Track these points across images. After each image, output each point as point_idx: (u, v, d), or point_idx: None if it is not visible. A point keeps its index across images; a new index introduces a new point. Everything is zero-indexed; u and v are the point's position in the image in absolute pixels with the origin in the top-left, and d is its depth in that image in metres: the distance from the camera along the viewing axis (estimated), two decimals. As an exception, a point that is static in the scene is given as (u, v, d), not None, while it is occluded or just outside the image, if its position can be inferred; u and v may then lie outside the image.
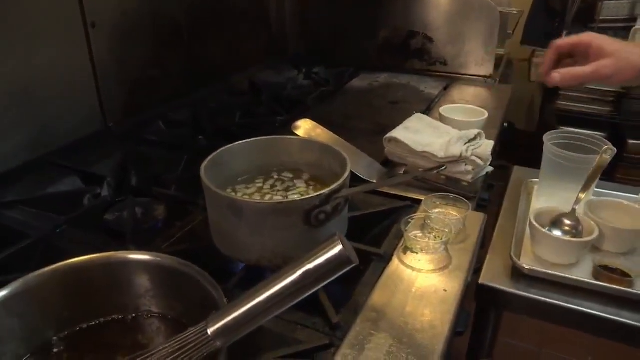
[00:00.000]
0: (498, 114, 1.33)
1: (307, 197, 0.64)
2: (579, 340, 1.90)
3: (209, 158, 0.73)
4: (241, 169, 0.79)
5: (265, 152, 0.80)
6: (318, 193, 0.64)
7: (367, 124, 1.29)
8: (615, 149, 0.91)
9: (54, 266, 0.50)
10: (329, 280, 0.38)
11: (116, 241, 0.82)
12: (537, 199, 1.02)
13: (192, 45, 1.43)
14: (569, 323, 0.86)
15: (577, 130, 1.00)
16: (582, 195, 0.89)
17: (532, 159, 1.07)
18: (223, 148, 0.76)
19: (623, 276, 0.82)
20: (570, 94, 2.47)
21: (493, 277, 0.83)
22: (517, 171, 1.16)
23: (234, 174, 0.78)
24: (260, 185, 0.77)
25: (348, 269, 0.38)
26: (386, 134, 1.04)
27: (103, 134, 1.16)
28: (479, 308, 0.87)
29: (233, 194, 0.74)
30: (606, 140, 0.96)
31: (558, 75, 0.80)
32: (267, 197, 0.75)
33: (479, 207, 1.07)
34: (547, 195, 1.00)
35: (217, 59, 1.55)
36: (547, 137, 0.99)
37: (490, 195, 1.16)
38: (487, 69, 1.59)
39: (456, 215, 0.78)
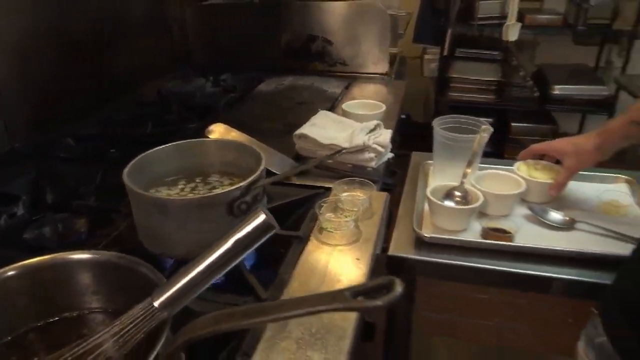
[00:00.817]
0: (395, 107, 1.47)
1: (228, 189, 0.70)
2: (486, 305, 2.11)
3: (131, 164, 0.77)
4: (163, 173, 0.83)
5: (185, 156, 0.85)
6: (238, 185, 0.70)
7: (276, 124, 1.37)
8: (491, 128, 1.06)
9: (10, 267, 0.52)
10: (256, 245, 0.45)
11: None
12: (433, 178, 1.15)
13: (97, 59, 1.43)
14: (467, 279, 1.00)
15: (460, 115, 1.14)
16: (468, 170, 1.03)
17: (430, 146, 1.20)
18: (143, 154, 0.80)
19: (505, 233, 0.96)
20: (459, 85, 2.72)
21: (400, 248, 0.94)
22: (415, 156, 1.29)
23: (156, 178, 0.82)
24: (183, 186, 0.82)
25: (271, 233, 0.45)
26: (293, 131, 1.12)
27: (9, 154, 1.14)
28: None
29: (157, 193, 0.79)
30: (484, 121, 1.11)
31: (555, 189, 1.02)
32: (190, 195, 0.80)
33: (384, 191, 1.19)
34: (440, 174, 1.13)
35: (123, 71, 1.55)
36: (436, 122, 1.12)
37: (395, 180, 1.28)
38: (382, 67, 1.74)
39: (362, 196, 0.88)
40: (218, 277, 0.45)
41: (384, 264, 0.94)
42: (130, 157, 1.20)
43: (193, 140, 0.86)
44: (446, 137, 1.08)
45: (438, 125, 1.11)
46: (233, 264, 0.44)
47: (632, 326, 0.65)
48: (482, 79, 2.65)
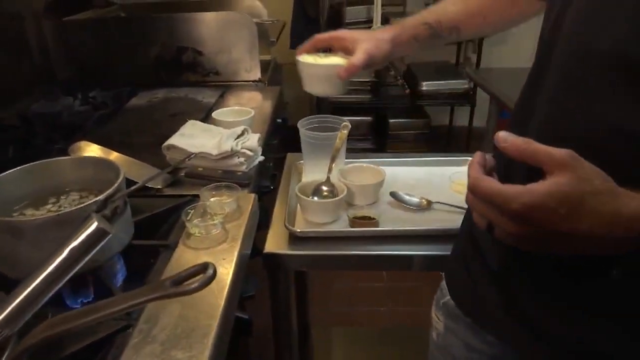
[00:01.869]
0: (268, 112, 1.52)
1: (83, 205, 0.70)
2: (379, 292, 2.24)
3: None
4: (15, 198, 0.80)
5: (39, 177, 0.83)
6: (93, 200, 0.71)
7: (148, 138, 1.36)
8: (349, 124, 1.14)
9: None
10: (93, 252, 0.47)
11: None
12: (305, 175, 1.21)
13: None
14: (340, 266, 1.07)
15: (322, 115, 1.22)
16: (333, 165, 1.10)
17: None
18: (18, 168, 0.77)
19: (371, 220, 1.05)
20: (337, 87, 2.85)
21: (275, 245, 0.99)
22: (290, 157, 1.35)
23: (8, 204, 0.79)
24: (32, 212, 0.80)
25: (107, 238, 0.47)
26: (164, 143, 1.13)
27: None
28: (269, 273, 1.02)
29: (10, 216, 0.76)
30: (345, 119, 1.19)
31: (346, 70, 0.93)
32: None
33: (262, 194, 1.23)
34: (310, 171, 1.20)
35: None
36: (301, 124, 1.18)
37: (275, 183, 1.33)
38: (255, 74, 1.78)
39: (229, 199, 0.91)
40: (58, 287, 0.46)
41: (261, 263, 0.99)
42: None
43: (47, 160, 0.84)
44: (310, 136, 1.15)
45: (303, 127, 1.18)
46: (72, 272, 0.46)
47: (467, 277, 0.74)
48: (358, 79, 2.80)
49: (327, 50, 1.01)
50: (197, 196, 0.99)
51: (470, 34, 1.06)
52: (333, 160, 1.10)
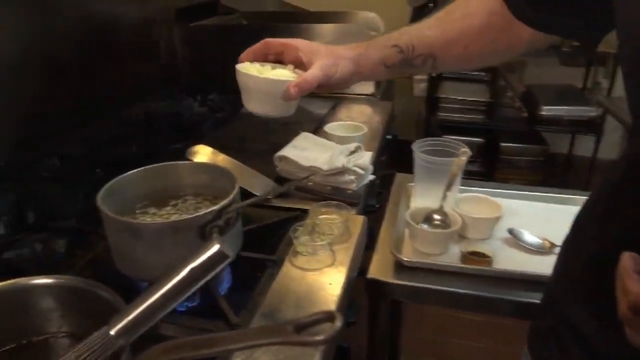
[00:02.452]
0: (379, 128, 1.48)
1: (200, 213, 0.70)
2: (475, 326, 2.10)
3: (105, 187, 0.77)
4: (137, 196, 0.84)
5: (160, 178, 0.85)
6: (210, 209, 0.71)
7: (261, 145, 1.38)
8: (470, 151, 1.07)
9: None
10: (212, 274, 0.46)
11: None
12: (415, 200, 1.16)
13: (83, 79, 1.44)
14: (446, 304, 1.00)
15: (440, 138, 1.16)
16: (448, 193, 1.04)
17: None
18: (118, 177, 0.81)
19: (484, 257, 0.97)
20: (448, 105, 2.75)
21: (379, 271, 0.94)
22: (399, 177, 1.30)
23: (130, 202, 0.82)
24: (156, 210, 0.82)
25: (227, 262, 0.46)
26: (276, 153, 1.13)
27: (-7, 173, 1.14)
28: (370, 300, 0.98)
29: (131, 217, 0.79)
30: (463, 144, 1.12)
31: (296, 88, 0.76)
32: (160, 219, 0.80)
33: (367, 213, 1.19)
34: (421, 196, 1.14)
35: (110, 91, 1.56)
36: (415, 146, 1.13)
37: (381, 201, 1.29)
38: (368, 87, 1.75)
39: (339, 219, 0.88)
40: (176, 304, 0.45)
41: (363, 288, 0.95)
42: (112, 179, 1.22)
43: (168, 163, 0.87)
44: (425, 160, 1.09)
45: (418, 149, 1.12)
46: (190, 292, 0.45)
47: None
48: (470, 99, 2.68)
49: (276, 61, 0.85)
50: (306, 211, 0.97)
51: (448, 65, 0.87)
52: (448, 187, 1.03)
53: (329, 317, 0.36)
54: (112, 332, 0.43)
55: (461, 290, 0.92)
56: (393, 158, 1.74)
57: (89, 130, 1.43)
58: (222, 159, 1.12)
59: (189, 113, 1.66)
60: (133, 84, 1.68)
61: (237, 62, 0.85)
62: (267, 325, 0.38)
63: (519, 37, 0.76)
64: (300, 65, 0.81)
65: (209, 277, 0.45)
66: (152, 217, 0.80)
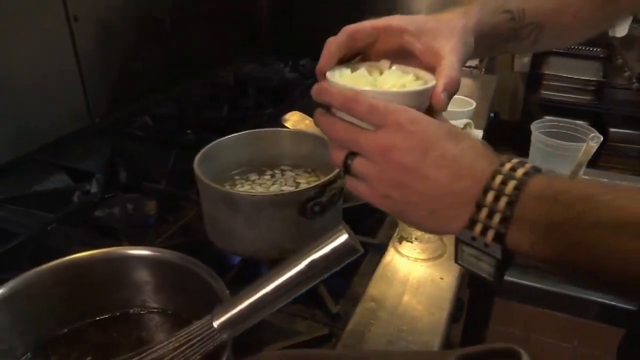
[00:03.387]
0: (484, 104, 1.34)
1: (302, 188, 0.63)
2: (565, 325, 1.93)
3: (202, 151, 0.72)
4: (234, 162, 0.78)
5: (257, 145, 0.79)
6: (313, 184, 0.64)
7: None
8: (601, 136, 0.93)
9: (53, 263, 0.49)
10: (334, 270, 0.38)
11: (108, 237, 0.81)
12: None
13: (175, 38, 1.41)
14: (551, 305, 0.89)
15: (563, 119, 1.01)
16: (571, 182, 0.90)
17: (517, 148, 1.07)
18: (215, 141, 0.75)
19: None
20: (553, 83, 2.51)
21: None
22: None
23: (226, 167, 0.77)
24: (255, 178, 0.76)
25: (353, 258, 0.38)
26: None
27: (88, 129, 1.14)
28: (472, 296, 0.88)
29: (228, 187, 0.74)
30: (592, 128, 0.98)
31: (445, 93, 0.49)
32: (260, 188, 0.74)
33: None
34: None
35: (200, 52, 1.53)
36: (534, 126, 1.00)
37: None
38: (473, 59, 1.60)
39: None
40: (288, 301, 0.38)
41: (466, 280, 0.85)
42: (204, 141, 1.17)
43: (267, 129, 0.81)
44: (547, 143, 0.95)
45: (537, 129, 0.99)
46: (305, 289, 0.38)
47: None
48: (580, 77, 2.43)
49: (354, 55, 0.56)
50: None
51: (551, 38, 0.69)
52: (574, 176, 0.90)
53: (509, 353, 0.27)
54: (215, 324, 0.37)
55: (576, 294, 0.81)
56: (490, 137, 1.60)
57: (179, 90, 1.40)
58: (316, 129, 1.04)
59: (279, 78, 1.59)
60: (223, 45, 1.64)
61: (332, 28, 0.58)
62: (419, 352, 0.30)
63: None
64: (403, 55, 0.54)
65: (330, 273, 0.38)
66: (252, 185, 0.74)
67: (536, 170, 0.40)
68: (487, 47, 0.61)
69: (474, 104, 1.15)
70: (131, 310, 0.52)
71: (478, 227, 0.39)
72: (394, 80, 0.51)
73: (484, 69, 1.63)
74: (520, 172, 0.39)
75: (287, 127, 1.02)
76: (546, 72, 2.51)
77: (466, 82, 1.54)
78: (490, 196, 0.39)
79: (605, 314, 0.89)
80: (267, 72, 1.64)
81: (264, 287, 0.37)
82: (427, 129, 0.43)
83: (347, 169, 0.46)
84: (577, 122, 1.00)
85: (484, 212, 0.39)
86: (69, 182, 0.95)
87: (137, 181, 0.97)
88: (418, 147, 0.42)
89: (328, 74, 0.51)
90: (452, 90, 0.50)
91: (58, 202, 0.87)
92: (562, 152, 0.94)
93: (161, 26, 1.36)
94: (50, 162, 0.97)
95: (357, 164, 0.45)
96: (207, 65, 1.55)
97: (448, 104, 0.50)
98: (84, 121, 1.14)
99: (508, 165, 0.40)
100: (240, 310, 0.37)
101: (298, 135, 0.81)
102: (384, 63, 0.54)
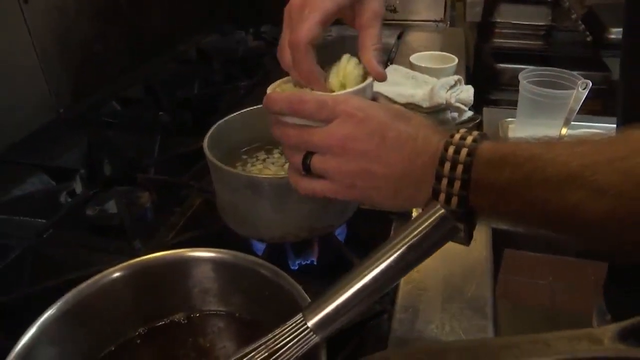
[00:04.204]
0: (460, 59, 1.34)
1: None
2: (538, 263, 2.03)
3: (208, 135, 0.68)
4: (240, 142, 0.74)
5: (261, 122, 0.75)
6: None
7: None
8: (589, 82, 0.95)
9: (121, 265, 0.46)
10: (433, 253, 0.36)
11: (109, 237, 0.76)
12: (515, 138, 1.04)
13: (133, 16, 1.31)
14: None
15: (549, 67, 1.02)
16: (564, 131, 0.92)
17: (478, 99, 1.06)
18: (220, 122, 0.71)
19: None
20: (504, 31, 2.54)
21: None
22: (488, 112, 1.18)
23: (233, 148, 0.73)
24: (265, 157, 0.73)
25: (454, 238, 0.37)
26: None
27: (55, 122, 1.05)
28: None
29: (241, 168, 0.70)
30: (578, 75, 0.99)
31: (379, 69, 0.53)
32: (274, 167, 0.71)
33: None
34: (525, 133, 1.02)
35: (159, 28, 1.44)
36: (522, 75, 1.01)
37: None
38: (437, 12, 1.59)
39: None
40: (382, 294, 0.36)
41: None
42: (180, 121, 1.12)
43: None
44: (536, 92, 0.96)
45: (524, 79, 1.00)
46: (402, 277, 0.36)
47: None
48: (530, 23, 2.47)
49: None
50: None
51: None
52: (567, 123, 0.92)
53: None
54: (309, 324, 0.35)
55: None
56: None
57: (143, 70, 1.32)
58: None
59: (243, 48, 1.52)
60: (182, 18, 1.54)
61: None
62: (575, 332, 0.29)
63: None
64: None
65: (428, 257, 0.36)
66: (264, 164, 0.71)
67: (482, 136, 0.42)
68: None
69: (456, 60, 1.14)
70: (197, 314, 0.49)
71: (442, 196, 0.40)
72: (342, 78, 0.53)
73: (448, 22, 1.62)
74: (469, 140, 0.41)
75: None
76: (497, 20, 2.53)
77: (434, 37, 1.54)
78: (447, 166, 0.41)
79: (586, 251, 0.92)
80: (230, 42, 1.56)
81: (359, 280, 0.35)
82: (377, 113, 0.45)
83: (307, 170, 0.47)
84: (563, 70, 1.01)
85: (444, 182, 0.40)
86: (50, 182, 0.88)
87: (123, 173, 0.91)
88: (374, 131, 0.44)
89: (269, 89, 0.54)
90: (381, 58, 0.55)
91: (45, 205, 0.81)
92: (552, 101, 0.95)
93: (117, 4, 1.26)
94: (25, 162, 0.89)
95: (317, 161, 0.46)
96: (168, 41, 1.46)
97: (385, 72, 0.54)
98: (49, 114, 1.05)
99: (457, 136, 0.42)
100: (336, 307, 0.35)
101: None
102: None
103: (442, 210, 0.35)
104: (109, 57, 1.23)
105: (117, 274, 0.45)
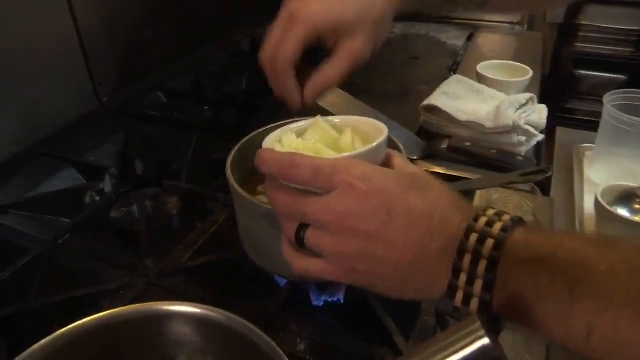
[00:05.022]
0: (535, 69, 1.20)
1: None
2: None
3: (234, 151, 0.61)
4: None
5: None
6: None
7: (389, 85, 1.16)
8: (691, 111, 0.80)
9: (83, 321, 0.39)
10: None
11: (126, 247, 0.71)
12: (592, 169, 0.91)
13: (185, 3, 1.27)
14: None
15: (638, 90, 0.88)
16: (654, 167, 0.79)
17: (551, 108, 0.92)
18: (248, 137, 0.63)
19: None
20: (589, 34, 2.32)
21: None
22: (562, 134, 1.05)
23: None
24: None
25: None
26: (410, 95, 0.92)
27: (96, 112, 1.02)
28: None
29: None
30: (676, 101, 0.85)
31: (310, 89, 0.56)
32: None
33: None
34: (604, 165, 0.89)
35: (212, 14, 1.38)
36: (607, 99, 0.87)
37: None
38: (512, 15, 1.45)
39: (526, 206, 0.67)
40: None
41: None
42: (221, 120, 1.06)
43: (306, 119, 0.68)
44: (622, 120, 0.83)
45: (609, 102, 0.86)
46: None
47: None
48: (620, 27, 2.24)
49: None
50: (459, 178, 0.77)
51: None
52: (657, 158, 0.78)
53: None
54: None
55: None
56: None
57: (192, 59, 1.27)
58: (355, 107, 0.92)
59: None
60: (238, 6, 1.48)
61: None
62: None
63: None
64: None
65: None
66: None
67: (516, 222, 0.34)
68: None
69: (531, 73, 1.01)
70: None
71: (459, 295, 0.34)
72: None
73: (526, 25, 1.47)
74: (497, 226, 0.34)
75: (322, 106, 0.89)
76: (582, 22, 2.32)
77: (509, 41, 1.39)
78: (466, 259, 0.33)
79: None
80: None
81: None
82: (384, 184, 0.37)
83: (300, 244, 0.40)
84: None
85: (462, 278, 0.33)
86: (79, 178, 0.85)
87: (154, 174, 0.86)
88: (379, 207, 0.36)
89: (265, 142, 0.47)
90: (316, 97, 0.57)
91: (68, 205, 0.77)
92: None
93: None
94: (57, 156, 0.86)
95: (311, 236, 0.39)
96: (221, 30, 1.41)
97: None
98: (90, 102, 1.02)
99: (483, 219, 0.34)
100: None
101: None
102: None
103: (486, 340, 0.26)
104: (157, 43, 1.19)
105: (78, 331, 0.39)
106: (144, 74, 1.15)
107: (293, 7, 0.52)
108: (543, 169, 0.56)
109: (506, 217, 0.35)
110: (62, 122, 0.94)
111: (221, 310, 0.39)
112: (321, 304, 0.63)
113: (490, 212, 0.35)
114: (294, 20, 0.51)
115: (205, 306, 0.39)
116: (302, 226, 0.40)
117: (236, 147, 0.61)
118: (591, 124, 0.94)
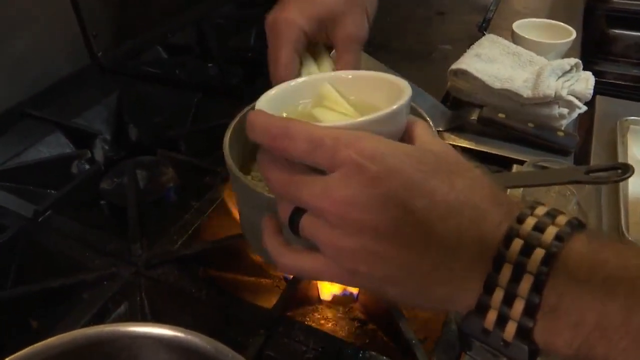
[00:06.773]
0: (578, 31, 1.07)
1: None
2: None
3: (234, 122, 0.51)
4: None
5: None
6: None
7: (411, 43, 1.05)
8: None
9: (44, 342, 0.32)
10: None
11: (115, 226, 0.64)
12: (638, 144, 0.81)
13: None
14: None
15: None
16: None
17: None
18: (248, 107, 0.54)
19: None
20: (627, -11, 2.14)
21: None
22: (602, 103, 0.94)
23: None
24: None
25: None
26: (436, 54, 0.81)
27: (89, 68, 0.93)
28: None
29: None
30: None
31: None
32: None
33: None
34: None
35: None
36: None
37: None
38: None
39: (571, 195, 0.58)
40: None
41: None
42: (228, 80, 0.96)
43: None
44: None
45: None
46: None
47: None
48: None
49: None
50: (501, 161, 0.68)
51: None
52: None
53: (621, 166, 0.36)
54: None
55: None
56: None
57: (196, 11, 1.16)
58: (373, 66, 0.81)
59: None
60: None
61: None
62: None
63: None
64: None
65: None
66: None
67: (575, 226, 0.26)
68: None
69: (574, 34, 0.89)
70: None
71: (491, 316, 0.26)
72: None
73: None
74: (550, 232, 0.26)
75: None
76: (621, -25, 2.13)
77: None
78: (506, 271, 0.26)
79: None
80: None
81: None
82: (401, 166, 0.28)
83: (295, 231, 0.32)
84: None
85: (497, 296, 0.26)
86: (67, 144, 0.77)
87: (149, 141, 0.78)
88: (391, 196, 0.27)
89: (258, 102, 0.38)
90: None
91: (54, 175, 0.70)
92: None
93: None
94: (43, 118, 0.78)
95: (307, 225, 0.31)
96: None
97: None
98: (83, 59, 0.92)
99: (531, 222, 0.26)
100: None
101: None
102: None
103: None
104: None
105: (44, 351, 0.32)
106: (143, 26, 1.05)
107: (271, 21, 0.45)
108: (618, 166, 0.45)
109: (562, 219, 0.27)
110: (49, 80, 0.84)
111: (207, 338, 0.31)
112: (331, 298, 0.56)
113: (541, 210, 0.27)
114: (278, 35, 0.44)
115: (188, 331, 0.32)
116: (299, 210, 0.31)
117: (237, 119, 0.52)
118: (622, 90, 0.83)
